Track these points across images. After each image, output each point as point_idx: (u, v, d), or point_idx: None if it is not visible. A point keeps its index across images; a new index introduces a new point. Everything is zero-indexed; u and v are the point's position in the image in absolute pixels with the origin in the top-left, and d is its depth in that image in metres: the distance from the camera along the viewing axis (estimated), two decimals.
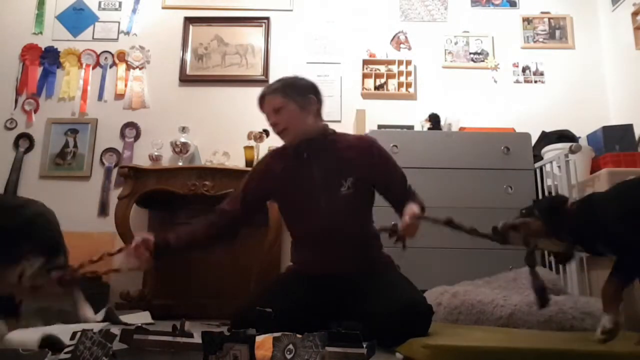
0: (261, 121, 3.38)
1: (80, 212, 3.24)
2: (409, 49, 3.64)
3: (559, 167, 2.66)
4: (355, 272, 1.69)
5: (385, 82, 3.56)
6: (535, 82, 3.58)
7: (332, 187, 1.74)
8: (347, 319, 1.43)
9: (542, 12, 3.69)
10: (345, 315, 1.57)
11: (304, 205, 1.77)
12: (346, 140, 1.86)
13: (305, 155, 1.79)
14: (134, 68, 3.60)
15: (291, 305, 1.61)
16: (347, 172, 1.75)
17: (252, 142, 3.23)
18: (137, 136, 3.50)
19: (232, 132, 3.38)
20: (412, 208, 1.62)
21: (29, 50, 3.61)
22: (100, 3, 3.73)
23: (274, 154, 1.94)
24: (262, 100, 1.82)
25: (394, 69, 3.55)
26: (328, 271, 1.70)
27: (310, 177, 1.76)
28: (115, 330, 1.05)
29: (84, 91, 3.55)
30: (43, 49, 3.61)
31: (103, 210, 3.34)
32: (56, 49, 3.62)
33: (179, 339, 1.11)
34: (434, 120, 3.17)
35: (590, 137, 3.08)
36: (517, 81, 3.58)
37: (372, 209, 1.87)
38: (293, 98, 1.77)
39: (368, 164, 1.79)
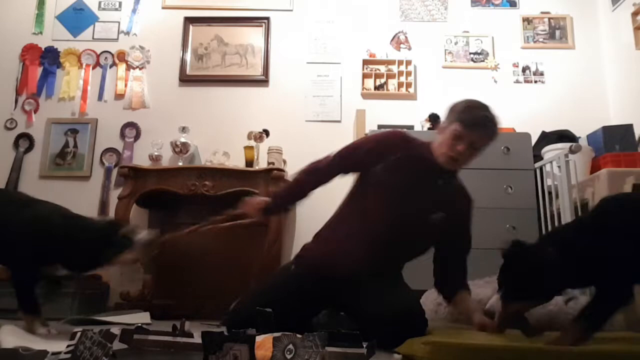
0: (261, 121, 3.45)
1: (80, 212, 3.13)
2: (409, 49, 3.64)
3: (559, 167, 2.66)
4: (364, 279, 1.67)
5: (385, 82, 3.56)
6: (535, 82, 3.57)
7: (425, 208, 1.71)
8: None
9: (542, 12, 3.69)
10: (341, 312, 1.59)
11: (390, 202, 1.72)
12: (456, 183, 1.86)
13: (427, 171, 1.75)
14: (134, 68, 3.60)
15: (288, 300, 1.62)
16: (443, 207, 1.73)
17: (252, 142, 3.23)
18: (137, 136, 3.50)
19: (232, 132, 3.38)
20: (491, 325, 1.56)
21: (29, 50, 3.61)
22: (100, 3, 3.73)
23: (405, 142, 1.81)
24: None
25: (394, 69, 3.55)
26: (340, 270, 1.67)
27: (416, 187, 1.72)
28: (115, 330, 1.05)
29: (84, 91, 3.55)
30: (43, 49, 3.61)
31: (103, 210, 3.34)
32: (56, 49, 3.62)
33: (179, 339, 1.11)
34: (434, 120, 3.17)
35: (590, 137, 3.08)
36: (517, 81, 3.58)
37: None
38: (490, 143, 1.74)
39: (458, 217, 1.79)
